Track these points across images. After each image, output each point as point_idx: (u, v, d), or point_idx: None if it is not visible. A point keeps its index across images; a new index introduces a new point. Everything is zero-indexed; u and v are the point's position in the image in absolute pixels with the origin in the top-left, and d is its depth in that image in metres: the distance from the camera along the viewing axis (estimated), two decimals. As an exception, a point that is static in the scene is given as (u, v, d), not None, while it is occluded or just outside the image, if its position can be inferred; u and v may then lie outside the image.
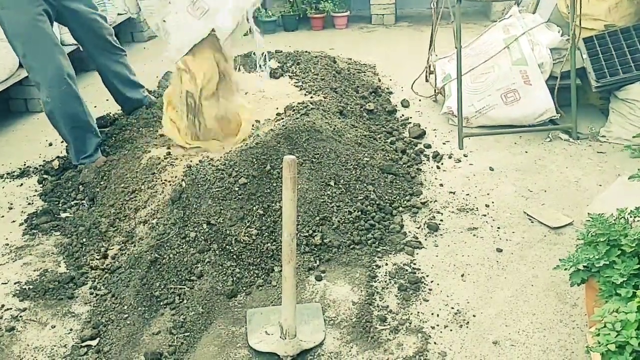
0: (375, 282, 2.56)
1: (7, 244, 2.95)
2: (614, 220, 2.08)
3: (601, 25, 3.89)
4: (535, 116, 3.82)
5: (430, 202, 3.12)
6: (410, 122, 4.02)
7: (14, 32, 3.28)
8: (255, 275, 2.60)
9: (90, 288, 2.59)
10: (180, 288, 2.51)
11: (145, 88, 4.16)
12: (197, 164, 2.98)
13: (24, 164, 3.74)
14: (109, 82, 3.94)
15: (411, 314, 2.37)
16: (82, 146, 3.46)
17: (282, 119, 3.38)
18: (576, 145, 3.67)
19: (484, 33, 4.37)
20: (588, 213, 2.18)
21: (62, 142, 3.98)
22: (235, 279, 2.56)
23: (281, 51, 5.28)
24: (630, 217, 2.15)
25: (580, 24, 3.68)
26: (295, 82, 4.16)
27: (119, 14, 5.97)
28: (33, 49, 3.29)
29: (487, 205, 3.08)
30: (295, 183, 2.04)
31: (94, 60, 3.85)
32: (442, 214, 3.03)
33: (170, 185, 2.92)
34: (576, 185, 3.23)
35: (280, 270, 2.39)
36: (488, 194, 3.19)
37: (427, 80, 4.67)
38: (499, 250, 2.73)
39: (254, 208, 2.79)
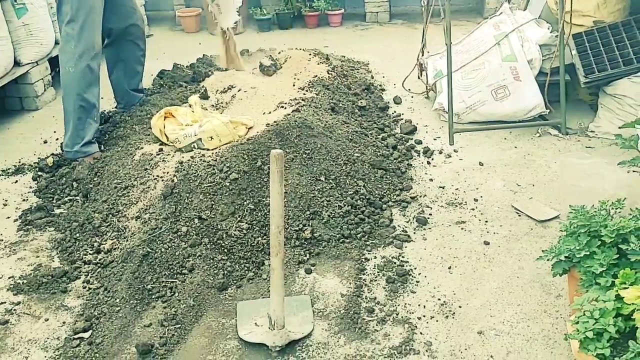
0: (364, 274, 2.60)
1: (2, 240, 2.99)
2: (595, 212, 2.12)
3: (590, 21, 3.94)
4: (525, 112, 3.86)
5: (420, 196, 3.16)
6: (402, 119, 4.06)
7: None
8: (246, 268, 2.64)
9: (83, 282, 2.63)
10: (172, 281, 2.55)
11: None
12: (188, 160, 3.02)
13: (19, 162, 3.77)
14: (121, 76, 4.02)
15: (398, 305, 2.41)
16: (82, 130, 3.52)
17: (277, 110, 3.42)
18: (565, 140, 3.71)
19: (475, 30, 4.41)
20: (570, 205, 2.22)
21: (57, 139, 4.02)
22: (226, 272, 2.60)
23: (275, 49, 5.32)
24: (612, 209, 2.20)
25: (570, 20, 3.71)
26: (288, 79, 4.19)
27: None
28: (81, 19, 3.43)
29: (475, 200, 3.12)
30: (283, 176, 2.08)
31: (117, 50, 3.93)
32: (431, 208, 3.07)
33: (162, 180, 2.96)
34: (563, 180, 3.27)
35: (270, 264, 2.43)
36: (477, 189, 3.23)
37: (419, 78, 4.71)
38: (486, 243, 2.77)
39: (245, 203, 2.83)
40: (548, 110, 3.86)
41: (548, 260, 2.11)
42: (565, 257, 2.07)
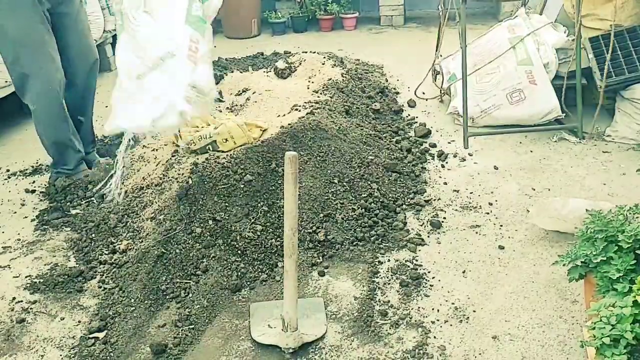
0: (377, 277, 2.59)
1: (19, 239, 3.03)
2: (612, 216, 2.10)
3: (607, 25, 3.90)
4: (540, 116, 3.83)
5: (434, 200, 3.15)
6: (416, 122, 4.05)
7: (9, 35, 3.08)
8: (259, 270, 2.65)
9: (98, 282, 2.66)
10: (186, 282, 2.57)
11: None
12: (203, 162, 3.04)
13: (37, 162, 3.83)
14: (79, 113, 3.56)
15: (412, 309, 2.40)
16: (63, 161, 3.42)
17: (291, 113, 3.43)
18: (581, 144, 3.68)
19: (488, 32, 4.38)
20: (586, 209, 2.20)
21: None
22: (239, 273, 2.61)
23: (290, 52, 5.34)
24: (630, 214, 2.17)
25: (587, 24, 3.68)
26: (303, 82, 4.20)
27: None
28: (28, 55, 3.12)
29: (490, 204, 3.10)
30: (297, 179, 2.08)
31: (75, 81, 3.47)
32: (445, 211, 3.05)
33: (177, 182, 2.98)
34: (580, 185, 3.24)
35: (284, 266, 2.43)
36: (492, 193, 3.21)
37: (434, 81, 4.69)
38: (501, 248, 2.75)
39: (259, 205, 2.84)
40: (564, 115, 3.82)
41: (564, 265, 2.09)
42: (582, 262, 2.05)
